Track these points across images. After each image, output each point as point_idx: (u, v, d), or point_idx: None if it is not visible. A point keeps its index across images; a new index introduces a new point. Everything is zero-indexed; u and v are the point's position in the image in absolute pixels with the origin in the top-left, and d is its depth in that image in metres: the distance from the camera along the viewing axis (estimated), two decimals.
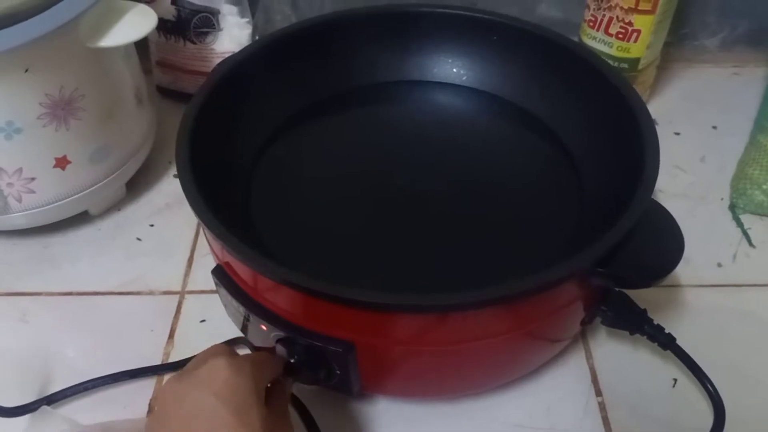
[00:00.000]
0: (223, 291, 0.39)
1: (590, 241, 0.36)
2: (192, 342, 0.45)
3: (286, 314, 0.37)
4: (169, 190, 0.56)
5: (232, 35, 0.60)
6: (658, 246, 0.38)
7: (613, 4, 0.54)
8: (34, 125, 0.45)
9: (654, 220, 0.38)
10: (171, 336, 0.46)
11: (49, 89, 0.44)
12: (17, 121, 0.44)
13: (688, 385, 0.42)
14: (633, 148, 0.41)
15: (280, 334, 0.37)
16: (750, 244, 0.51)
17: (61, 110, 0.46)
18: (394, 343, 0.36)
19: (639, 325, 0.41)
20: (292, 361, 0.37)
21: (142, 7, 0.48)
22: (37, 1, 0.42)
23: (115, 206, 0.54)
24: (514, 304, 0.35)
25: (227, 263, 0.39)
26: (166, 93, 0.64)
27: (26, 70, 0.43)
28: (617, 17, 0.54)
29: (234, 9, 0.60)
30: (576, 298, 0.38)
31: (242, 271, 0.38)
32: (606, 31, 0.56)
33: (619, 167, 0.42)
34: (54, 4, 0.43)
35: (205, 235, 0.42)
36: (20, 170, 0.46)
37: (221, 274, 0.40)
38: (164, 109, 0.61)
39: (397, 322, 0.35)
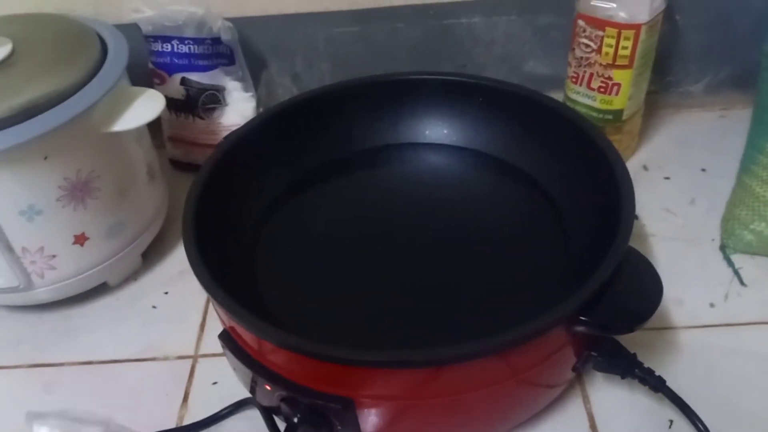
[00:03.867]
0: (230, 354, 0.42)
1: (573, 291, 0.38)
2: (205, 404, 0.47)
3: (288, 374, 0.39)
4: (182, 258, 0.58)
5: (238, 109, 0.64)
6: (639, 292, 0.39)
7: (592, 61, 0.57)
8: (54, 206, 0.48)
9: (634, 266, 0.40)
10: (185, 399, 0.48)
11: (67, 173, 0.48)
12: (38, 204, 0.48)
13: (683, 426, 0.43)
14: (611, 198, 0.43)
15: (283, 393, 0.39)
16: (741, 283, 0.52)
17: (78, 191, 0.49)
18: (389, 398, 0.38)
19: (629, 369, 0.42)
20: (295, 420, 0.39)
21: (151, 92, 0.52)
22: (54, 94, 0.46)
23: (132, 276, 0.58)
24: (503, 355, 0.37)
25: (232, 328, 0.42)
26: (179, 165, 0.68)
27: (45, 157, 0.47)
28: (597, 73, 0.57)
29: (238, 85, 0.64)
30: (564, 345, 0.39)
31: (246, 335, 0.41)
32: (588, 86, 0.58)
33: (599, 216, 0.44)
34: (69, 96, 0.47)
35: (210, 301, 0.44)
36: (42, 249, 0.50)
37: (227, 338, 0.42)
38: (178, 180, 0.65)
39: (390, 377, 0.37)
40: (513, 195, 0.52)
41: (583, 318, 0.38)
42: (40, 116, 0.45)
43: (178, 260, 0.59)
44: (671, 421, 0.44)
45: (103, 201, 0.51)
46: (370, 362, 0.36)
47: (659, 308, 0.49)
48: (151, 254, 0.59)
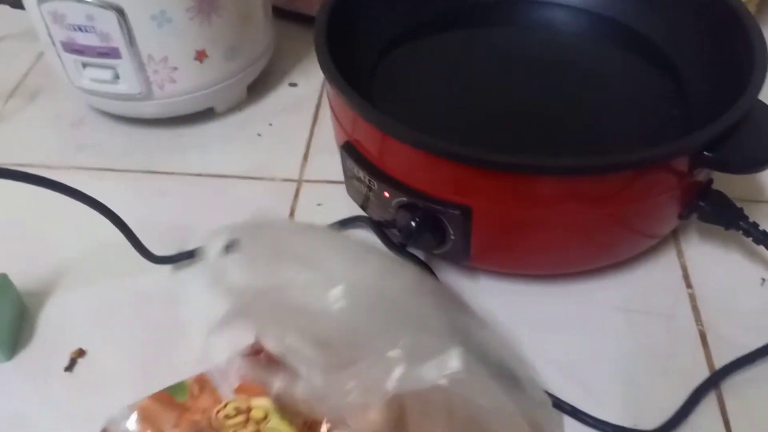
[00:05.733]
0: (351, 162, 0.44)
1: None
2: (310, 219, 0.49)
3: (409, 180, 0.41)
4: (284, 97, 0.61)
5: None
6: (762, 140, 0.40)
7: None
8: (183, 17, 0.50)
9: (760, 117, 0.41)
10: (291, 214, 0.51)
11: None
12: (169, 11, 0.49)
13: None
14: (740, 53, 0.43)
15: (402, 200, 0.41)
16: None
17: (206, 6, 0.51)
18: (505, 208, 0.40)
19: (734, 220, 0.43)
20: (413, 224, 0.41)
21: None
22: None
23: (237, 107, 0.60)
24: (626, 176, 0.38)
25: (355, 139, 0.44)
26: (282, 14, 0.68)
27: None
28: None
29: None
30: (679, 183, 0.40)
31: (369, 142, 0.42)
32: None
33: (725, 75, 0.45)
34: None
35: (334, 114, 0.46)
36: (166, 59, 0.52)
37: (349, 148, 0.44)
38: (280, 28, 0.65)
39: (510, 184, 0.38)
40: (633, 56, 0.52)
41: (707, 153, 0.38)
42: None
43: (280, 98, 0.61)
44: (763, 279, 0.45)
45: (226, 21, 0.53)
46: (500, 163, 0.37)
47: (763, 183, 0.50)
48: (256, 90, 0.61)
